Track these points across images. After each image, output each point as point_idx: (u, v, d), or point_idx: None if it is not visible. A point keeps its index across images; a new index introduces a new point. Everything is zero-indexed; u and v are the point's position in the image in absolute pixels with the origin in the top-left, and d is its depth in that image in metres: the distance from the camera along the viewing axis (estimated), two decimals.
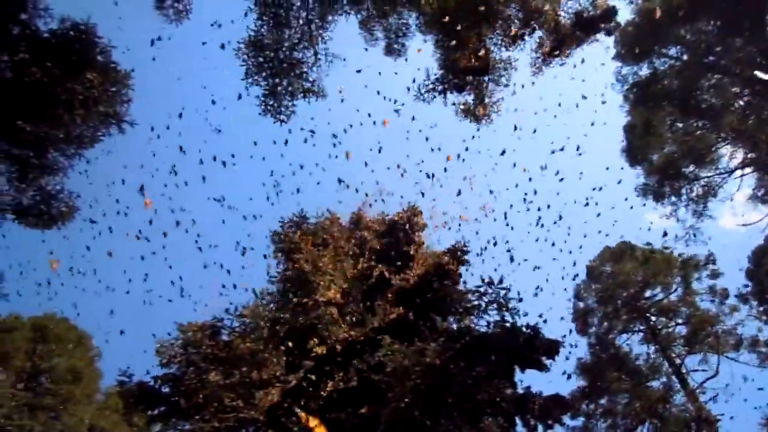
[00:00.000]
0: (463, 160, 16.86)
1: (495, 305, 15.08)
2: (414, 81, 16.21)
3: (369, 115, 16.69)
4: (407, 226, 18.05)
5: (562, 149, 17.18)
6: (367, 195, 18.47)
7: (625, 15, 18.41)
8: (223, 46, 15.26)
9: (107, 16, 14.67)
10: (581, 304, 27.12)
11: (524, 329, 13.69)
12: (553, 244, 17.14)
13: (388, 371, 12.82)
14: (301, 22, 15.96)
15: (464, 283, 16.60)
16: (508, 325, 14.26)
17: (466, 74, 16.00)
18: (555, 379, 13.61)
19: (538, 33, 16.19)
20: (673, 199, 21.01)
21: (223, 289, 15.73)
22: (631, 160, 21.10)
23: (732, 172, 20.55)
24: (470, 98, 16.83)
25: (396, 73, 17.08)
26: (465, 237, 17.25)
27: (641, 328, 26.01)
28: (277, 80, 15.89)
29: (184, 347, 14.40)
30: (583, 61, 16.43)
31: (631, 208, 19.65)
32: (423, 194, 18.65)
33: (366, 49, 16.76)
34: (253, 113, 15.91)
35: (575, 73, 16.71)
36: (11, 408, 21.97)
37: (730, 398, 22.66)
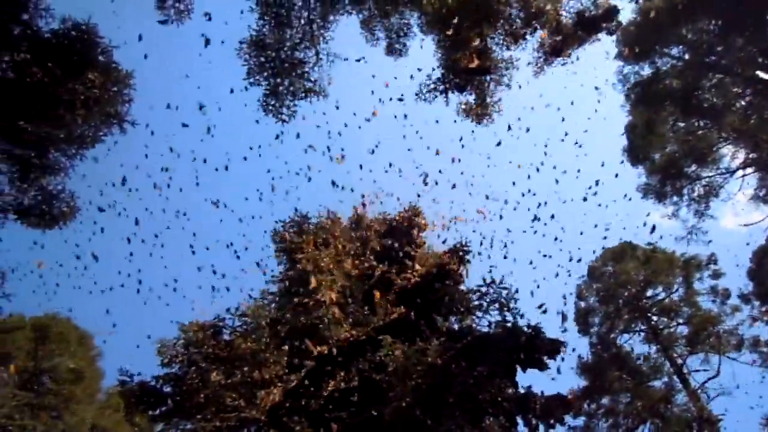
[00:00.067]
0: (459, 160, 16.94)
1: (496, 305, 15.08)
2: (412, 77, 16.22)
3: (368, 120, 16.74)
4: (408, 226, 18.05)
5: (563, 139, 17.23)
6: (363, 195, 18.55)
7: (626, 14, 18.44)
8: (215, 42, 15.20)
9: (108, 16, 14.70)
10: (582, 304, 27.13)
11: (525, 329, 13.67)
12: (556, 239, 17.22)
13: (389, 371, 12.81)
14: (302, 21, 15.97)
15: (466, 280, 16.64)
16: (509, 324, 14.25)
17: (468, 74, 16.00)
18: (556, 378, 13.61)
19: (540, 32, 16.19)
20: (675, 198, 21.02)
21: (215, 291, 15.82)
22: (632, 160, 21.10)
23: (734, 171, 20.55)
24: (471, 98, 16.84)
25: (396, 78, 17.15)
26: (466, 237, 17.28)
27: (643, 327, 26.01)
28: (278, 80, 15.90)
29: (186, 347, 14.41)
30: (577, 58, 16.50)
31: (628, 198, 19.60)
32: (419, 195, 18.68)
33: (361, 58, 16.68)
34: (252, 113, 15.95)
35: (575, 72, 16.75)
36: (12, 408, 22.00)
37: (731, 397, 22.73)
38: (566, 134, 17.91)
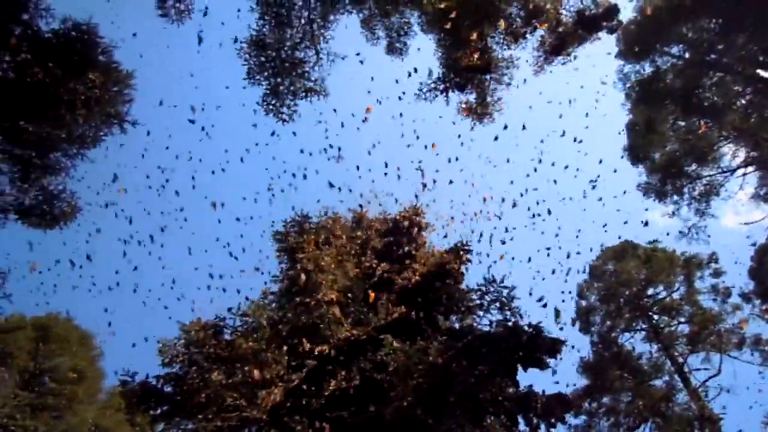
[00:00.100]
0: (457, 159, 16.95)
1: (497, 304, 15.08)
2: (409, 75, 16.20)
3: (364, 120, 16.74)
4: (409, 225, 18.05)
5: (562, 135, 17.23)
6: (361, 195, 18.57)
7: (627, 13, 18.44)
8: (214, 42, 15.23)
9: (109, 15, 14.71)
10: (583, 303, 27.13)
11: (526, 328, 13.67)
12: (557, 235, 17.25)
13: (390, 370, 12.82)
14: (303, 21, 15.97)
15: (466, 279, 16.64)
16: (510, 323, 14.25)
17: (468, 73, 15.99)
18: (557, 377, 13.63)
19: (540, 31, 16.19)
20: (676, 197, 21.00)
21: (209, 290, 15.82)
22: (633, 159, 21.09)
23: (734, 170, 20.53)
24: (472, 97, 16.83)
25: (397, 81, 17.14)
26: (466, 236, 17.30)
27: (644, 326, 26.00)
28: (279, 80, 15.90)
29: (187, 346, 14.40)
30: (575, 57, 16.49)
31: (624, 192, 19.63)
32: (416, 197, 18.68)
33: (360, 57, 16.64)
34: (249, 113, 15.94)
35: (575, 70, 16.76)
36: (14, 408, 22.02)
37: (732, 396, 22.73)
38: (563, 132, 17.92)
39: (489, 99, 16.74)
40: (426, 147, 16.75)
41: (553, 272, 17.34)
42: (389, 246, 17.52)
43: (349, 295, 15.39)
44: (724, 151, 20.43)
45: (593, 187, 17.21)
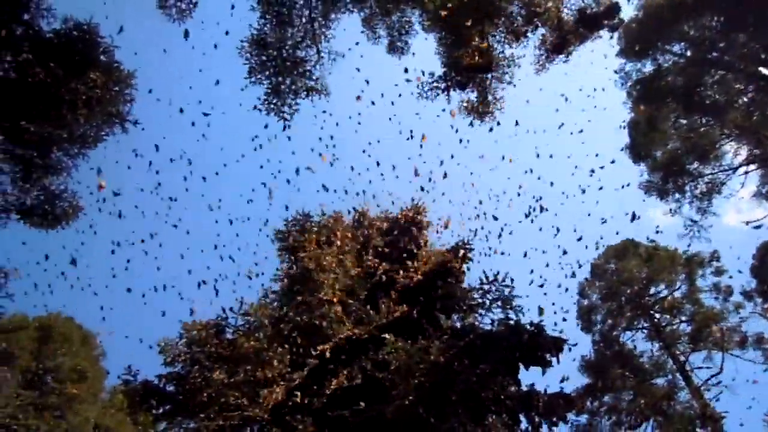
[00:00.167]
0: (452, 156, 16.96)
1: (499, 302, 15.07)
2: (406, 71, 16.19)
3: (359, 123, 16.76)
4: (411, 224, 18.05)
5: (560, 125, 17.24)
6: (357, 195, 18.60)
7: (628, 11, 18.42)
8: (214, 42, 15.22)
9: (109, 15, 14.70)
10: (585, 301, 27.13)
11: (528, 326, 13.67)
12: (558, 231, 17.24)
13: (392, 369, 12.81)
14: (304, 20, 15.97)
15: (468, 277, 16.65)
16: (512, 322, 14.24)
17: (469, 71, 15.97)
18: (557, 376, 13.62)
19: (541, 30, 16.17)
20: (677, 195, 20.97)
21: (202, 287, 15.85)
22: (634, 157, 21.08)
23: (736, 168, 20.50)
24: (473, 96, 16.82)
25: (398, 85, 17.11)
26: (466, 236, 17.30)
27: (645, 325, 25.98)
28: (280, 79, 15.90)
29: (189, 345, 14.43)
30: (570, 55, 16.49)
31: (621, 188, 19.61)
32: (413, 199, 18.69)
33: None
34: (248, 112, 15.93)
35: (575, 69, 16.76)
36: (16, 407, 22.07)
37: (734, 395, 22.69)
38: (562, 124, 17.93)
39: (490, 98, 16.73)
40: (411, 137, 16.52)
41: (547, 265, 17.34)
42: (390, 245, 17.52)
43: (351, 294, 15.40)
44: (726, 149, 20.43)
45: (592, 174, 17.21)
